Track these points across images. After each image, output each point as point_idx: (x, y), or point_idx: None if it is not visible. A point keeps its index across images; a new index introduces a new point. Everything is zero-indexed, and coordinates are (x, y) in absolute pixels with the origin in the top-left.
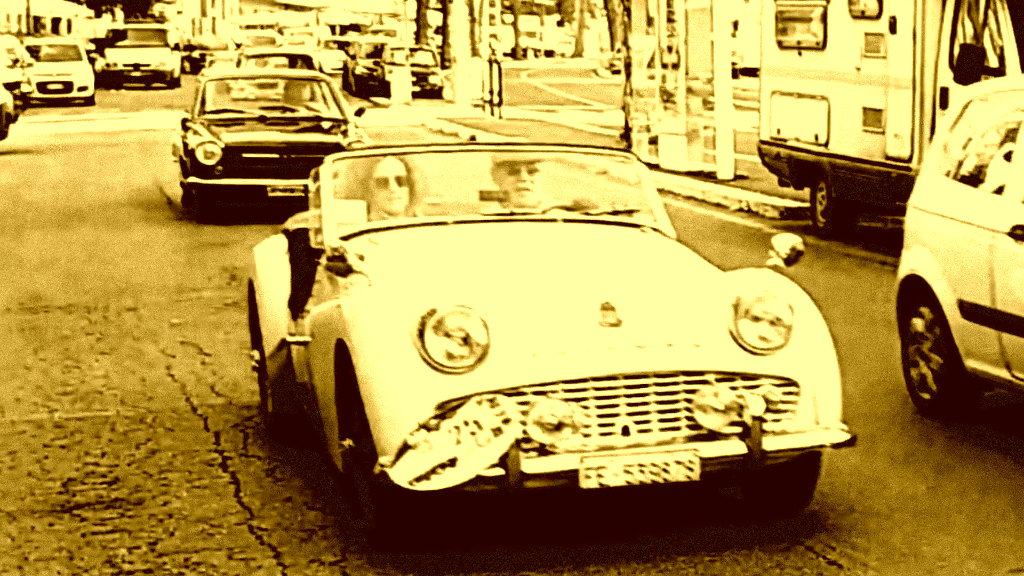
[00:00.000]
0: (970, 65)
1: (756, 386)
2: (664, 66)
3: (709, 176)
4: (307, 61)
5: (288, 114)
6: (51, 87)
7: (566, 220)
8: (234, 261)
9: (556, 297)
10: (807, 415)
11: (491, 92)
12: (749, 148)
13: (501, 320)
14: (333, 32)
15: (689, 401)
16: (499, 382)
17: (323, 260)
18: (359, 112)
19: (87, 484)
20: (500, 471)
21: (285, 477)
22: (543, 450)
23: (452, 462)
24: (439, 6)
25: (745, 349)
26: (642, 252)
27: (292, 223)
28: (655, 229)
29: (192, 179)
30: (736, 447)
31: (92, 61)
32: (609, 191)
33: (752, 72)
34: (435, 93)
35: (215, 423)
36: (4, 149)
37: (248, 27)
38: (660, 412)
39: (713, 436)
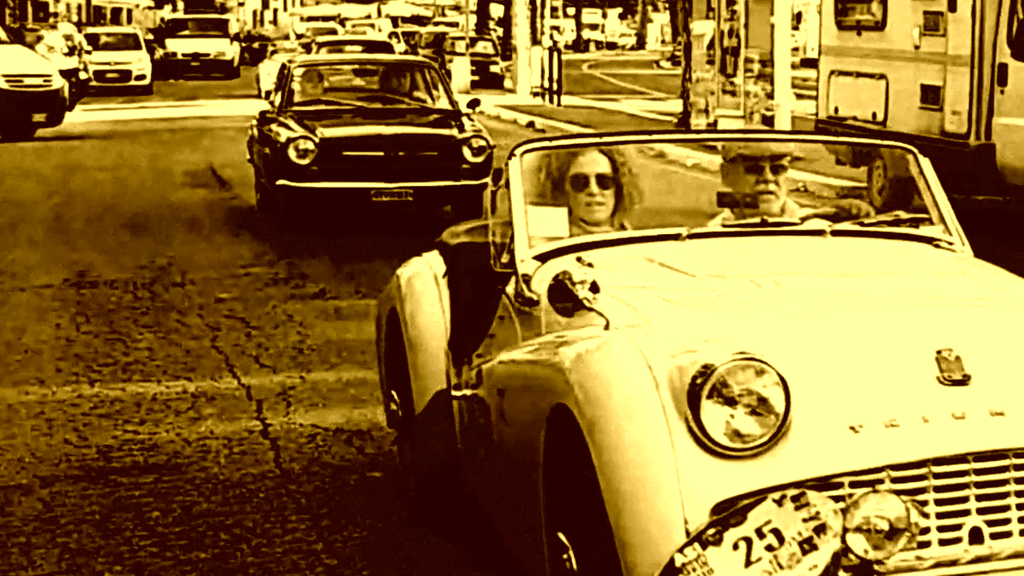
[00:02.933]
0: None
1: None
2: (724, 50)
3: None
4: (387, 49)
5: (390, 105)
6: (109, 75)
7: (835, 232)
8: (285, 237)
9: (871, 342)
10: None
11: (551, 80)
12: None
13: (802, 378)
14: (395, 24)
15: None
16: (805, 469)
17: (511, 288)
18: (474, 103)
19: (124, 451)
20: None
21: (327, 444)
22: (865, 568)
23: None
24: None
25: None
26: (961, 277)
27: (451, 236)
28: (950, 244)
29: (281, 181)
30: None
31: (151, 51)
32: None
33: (814, 63)
34: (496, 82)
35: (258, 392)
36: (59, 134)
37: (309, 18)
38: (1021, 507)
39: None
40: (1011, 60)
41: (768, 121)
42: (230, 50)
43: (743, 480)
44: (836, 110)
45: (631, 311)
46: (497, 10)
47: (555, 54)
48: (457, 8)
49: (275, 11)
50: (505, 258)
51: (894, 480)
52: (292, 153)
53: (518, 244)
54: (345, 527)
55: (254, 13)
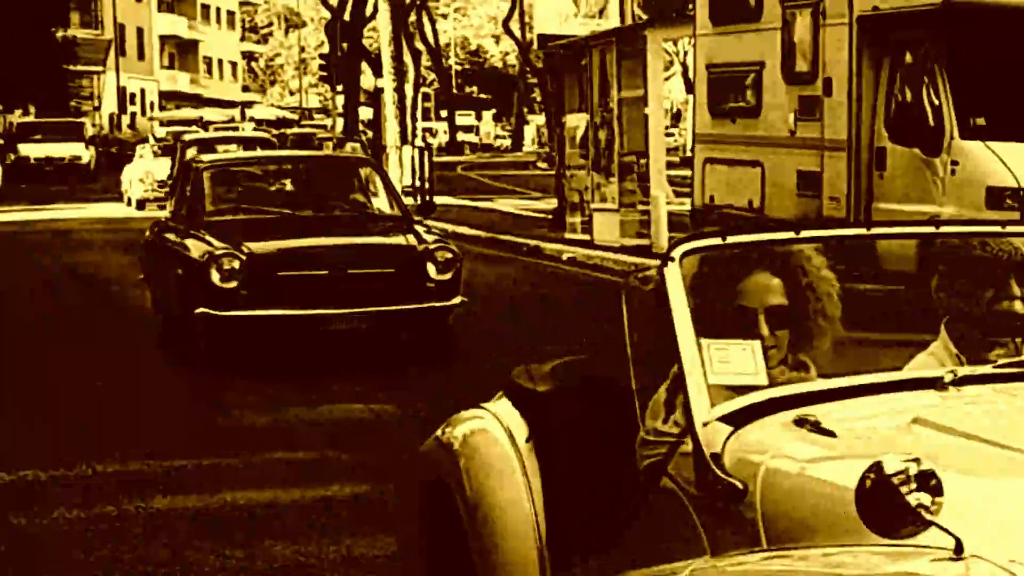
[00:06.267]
0: (907, 125)
1: None
2: (597, 144)
3: (644, 251)
4: (269, 145)
5: (325, 212)
6: None
7: None
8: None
9: None
10: None
11: (421, 179)
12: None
13: None
14: (259, 127)
15: None
16: None
17: (676, 466)
18: (426, 208)
19: None
20: None
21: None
22: None
23: None
24: (370, 102)
25: None
26: None
27: (528, 378)
28: None
29: (202, 309)
30: None
31: (2, 156)
32: None
33: None
34: None
35: (117, 477)
36: None
37: (169, 122)
38: None
39: None
40: (889, 144)
41: (644, 214)
42: (86, 154)
43: None
44: (711, 199)
45: (969, 516)
46: (367, 112)
47: (426, 153)
48: (325, 111)
49: (133, 115)
50: (665, 421)
51: None
52: (214, 274)
53: (695, 400)
54: None
55: (111, 117)
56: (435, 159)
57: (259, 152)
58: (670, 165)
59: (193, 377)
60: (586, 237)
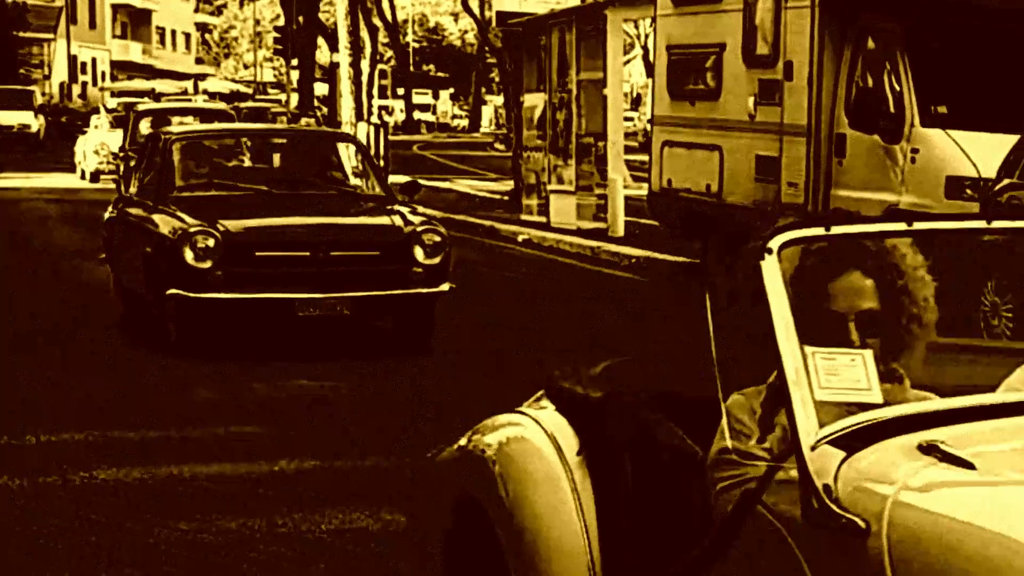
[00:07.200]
0: (868, 111)
1: None
2: (555, 124)
3: (600, 234)
4: (227, 117)
5: (304, 190)
6: None
7: None
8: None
9: None
10: None
11: (376, 157)
12: (645, 212)
13: None
14: (212, 99)
15: None
16: None
17: (775, 495)
18: (411, 187)
19: None
20: None
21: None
22: None
23: None
24: (326, 77)
25: None
26: None
27: (575, 380)
28: None
29: (173, 290)
30: None
31: None
32: None
33: None
34: None
35: (61, 448)
36: None
37: (120, 93)
38: None
39: None
40: (849, 130)
41: (600, 197)
42: (35, 123)
43: None
44: (669, 182)
45: None
46: (322, 88)
47: (381, 131)
48: (280, 86)
49: (84, 84)
50: (761, 440)
51: None
52: (188, 253)
53: (800, 418)
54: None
55: (61, 86)
56: (391, 138)
57: (233, 124)
58: (628, 149)
59: (149, 354)
60: (542, 219)
